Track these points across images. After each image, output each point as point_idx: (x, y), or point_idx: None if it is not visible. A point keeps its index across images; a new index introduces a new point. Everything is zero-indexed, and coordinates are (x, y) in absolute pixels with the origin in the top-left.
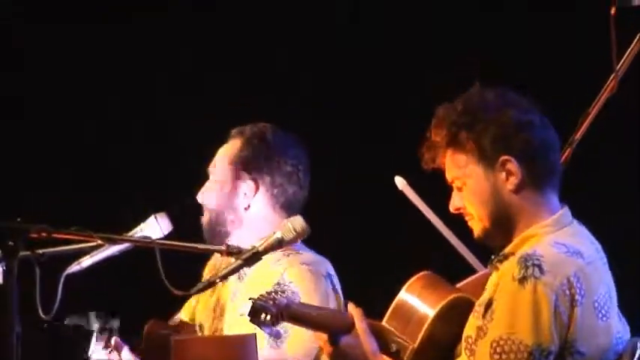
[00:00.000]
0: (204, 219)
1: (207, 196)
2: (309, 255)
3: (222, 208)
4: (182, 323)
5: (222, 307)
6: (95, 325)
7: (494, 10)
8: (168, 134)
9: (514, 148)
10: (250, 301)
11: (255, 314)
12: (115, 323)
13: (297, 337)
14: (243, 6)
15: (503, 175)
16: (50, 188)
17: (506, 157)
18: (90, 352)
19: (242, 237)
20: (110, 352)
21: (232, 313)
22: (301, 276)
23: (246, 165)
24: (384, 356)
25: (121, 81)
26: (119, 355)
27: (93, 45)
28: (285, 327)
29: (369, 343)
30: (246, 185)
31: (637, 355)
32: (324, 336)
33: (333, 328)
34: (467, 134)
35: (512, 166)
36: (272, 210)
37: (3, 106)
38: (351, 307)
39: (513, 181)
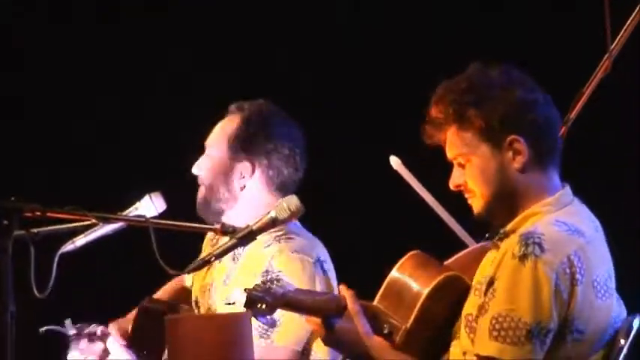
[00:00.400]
0: (200, 193)
1: (204, 171)
2: (300, 240)
3: (218, 184)
4: (175, 303)
5: (214, 288)
6: (71, 331)
7: None
8: (167, 130)
9: (521, 127)
10: (245, 292)
11: (250, 304)
12: (92, 328)
13: (287, 326)
14: (241, 5)
15: (510, 154)
16: (46, 168)
17: (514, 137)
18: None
19: (236, 216)
20: (92, 342)
21: (222, 298)
22: (290, 265)
23: (245, 146)
24: (377, 337)
25: (122, 71)
26: (104, 344)
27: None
28: (276, 316)
29: (362, 325)
30: (243, 166)
31: (632, 334)
32: (318, 320)
33: (326, 312)
34: (475, 112)
35: (520, 145)
36: (267, 191)
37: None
38: (342, 288)
39: (520, 160)
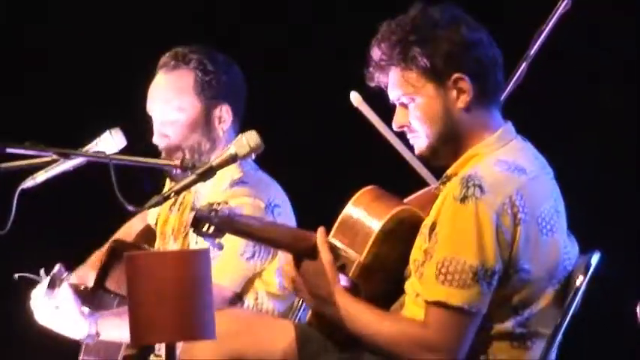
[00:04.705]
0: (174, 157)
1: (176, 134)
2: (253, 185)
3: (199, 139)
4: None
5: (175, 236)
6: (45, 280)
7: None
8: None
9: (466, 66)
10: (192, 211)
11: (197, 225)
12: (64, 275)
13: (223, 265)
14: None
15: (454, 92)
16: (5, 104)
17: (458, 75)
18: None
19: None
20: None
21: (180, 246)
22: (241, 209)
23: (215, 92)
24: (344, 289)
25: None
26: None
27: None
28: (214, 253)
29: (332, 275)
30: (220, 110)
31: (591, 271)
32: (289, 256)
33: (286, 244)
34: (419, 51)
35: (465, 83)
36: (234, 126)
37: None
38: (319, 231)
39: (465, 99)
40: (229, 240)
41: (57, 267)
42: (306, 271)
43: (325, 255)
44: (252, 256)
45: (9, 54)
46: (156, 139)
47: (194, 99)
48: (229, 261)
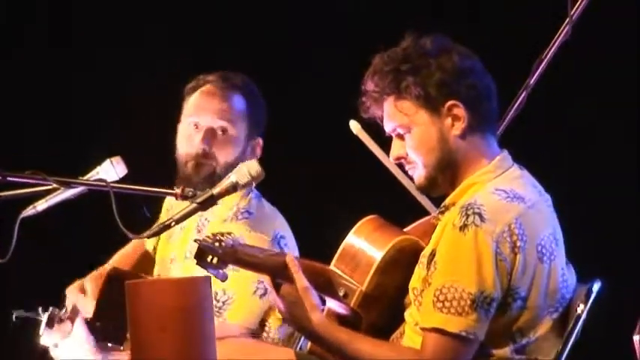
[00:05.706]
0: (206, 170)
1: (222, 150)
2: (258, 216)
3: (237, 159)
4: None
5: (175, 261)
6: (44, 318)
7: None
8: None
9: (460, 93)
10: (195, 242)
11: (200, 256)
12: (62, 313)
13: (239, 304)
14: None
15: (449, 120)
16: (5, 131)
17: (452, 102)
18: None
19: None
20: (62, 323)
21: (183, 272)
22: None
23: (257, 125)
24: (323, 316)
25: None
26: (72, 325)
27: None
28: (229, 294)
29: (311, 304)
30: (255, 143)
31: (591, 299)
32: (267, 277)
33: (273, 270)
34: (412, 80)
35: (459, 110)
36: None
37: None
38: (288, 258)
39: (460, 126)
40: (241, 279)
41: (51, 309)
42: (286, 293)
43: (300, 282)
44: (265, 292)
45: (9, 54)
46: (199, 144)
47: (243, 123)
48: (244, 301)
